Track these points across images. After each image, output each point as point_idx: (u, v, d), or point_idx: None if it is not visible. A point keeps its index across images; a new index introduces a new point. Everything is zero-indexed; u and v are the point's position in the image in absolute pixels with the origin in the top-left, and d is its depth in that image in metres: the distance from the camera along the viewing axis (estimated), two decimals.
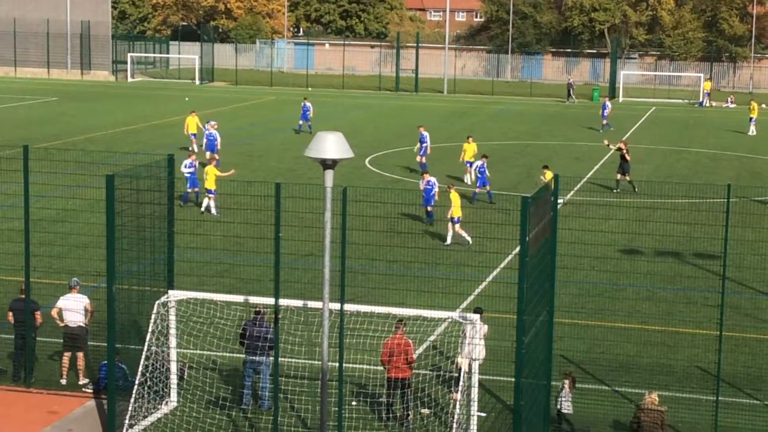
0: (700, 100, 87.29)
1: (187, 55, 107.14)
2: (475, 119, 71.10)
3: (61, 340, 20.46)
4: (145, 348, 18.16)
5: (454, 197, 31.95)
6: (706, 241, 31.19)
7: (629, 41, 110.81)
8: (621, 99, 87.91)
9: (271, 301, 17.79)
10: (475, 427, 17.59)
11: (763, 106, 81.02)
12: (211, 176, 35.31)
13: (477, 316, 17.81)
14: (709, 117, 76.11)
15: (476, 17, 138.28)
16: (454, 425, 17.19)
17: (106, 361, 18.83)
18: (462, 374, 17.69)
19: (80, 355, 20.21)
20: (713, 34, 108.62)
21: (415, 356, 18.76)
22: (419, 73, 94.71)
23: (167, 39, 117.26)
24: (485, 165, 38.68)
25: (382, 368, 18.87)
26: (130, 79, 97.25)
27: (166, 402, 19.02)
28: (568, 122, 69.77)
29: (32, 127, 58.57)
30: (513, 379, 15.65)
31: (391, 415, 18.56)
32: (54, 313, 20.41)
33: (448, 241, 31.96)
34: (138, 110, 70.06)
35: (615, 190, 41.48)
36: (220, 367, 20.65)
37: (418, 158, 44.80)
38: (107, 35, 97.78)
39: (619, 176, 41.90)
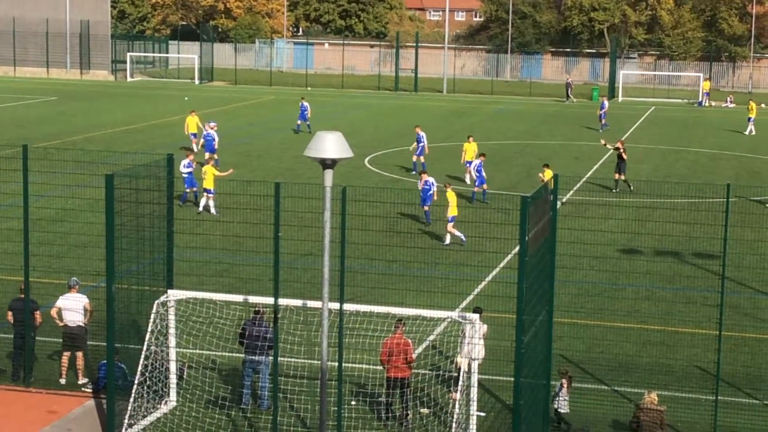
0: (700, 99, 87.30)
1: (186, 54, 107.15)
2: (475, 119, 71.09)
3: (61, 340, 20.46)
4: (145, 347, 18.15)
5: (451, 196, 31.99)
6: (705, 241, 31.19)
7: (628, 41, 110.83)
8: (620, 99, 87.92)
9: (270, 300, 17.78)
10: (475, 427, 17.60)
11: (762, 105, 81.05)
12: (209, 176, 35.30)
13: (476, 316, 17.82)
14: (708, 117, 76.13)
15: (475, 17, 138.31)
16: (454, 425, 17.19)
17: (105, 361, 18.83)
18: (461, 374, 17.69)
19: (79, 354, 20.20)
20: (712, 33, 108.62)
21: (414, 356, 18.76)
22: (418, 73, 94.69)
23: (166, 38, 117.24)
24: (482, 164, 38.73)
25: (381, 368, 18.87)
26: (129, 79, 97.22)
27: (166, 401, 19.01)
28: (568, 122, 69.77)
29: (31, 126, 58.56)
30: (512, 379, 15.65)
31: (390, 414, 18.56)
32: (53, 312, 20.40)
33: (447, 240, 31.97)
34: (137, 110, 70.05)
35: (614, 190, 41.49)
36: (220, 367, 20.65)
37: (414, 158, 44.88)
38: (106, 35, 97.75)
39: (617, 176, 41.91)
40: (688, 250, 31.73)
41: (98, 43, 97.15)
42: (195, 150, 44.54)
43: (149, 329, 18.25)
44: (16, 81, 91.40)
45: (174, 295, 18.74)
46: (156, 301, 18.39)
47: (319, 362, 15.33)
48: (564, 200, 37.07)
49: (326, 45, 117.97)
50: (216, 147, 44.22)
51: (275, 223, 17.24)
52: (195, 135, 48.76)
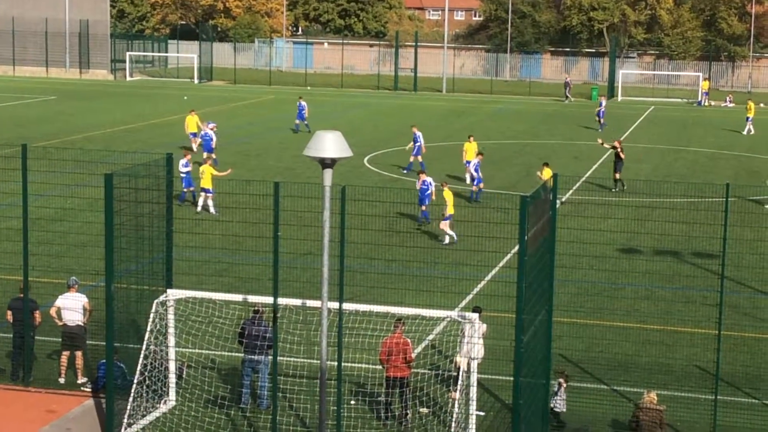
0: (699, 99, 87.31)
1: (185, 54, 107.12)
2: (474, 118, 71.09)
3: (60, 339, 20.45)
4: (144, 347, 18.15)
5: (448, 195, 32.02)
6: (704, 240, 31.21)
7: (628, 40, 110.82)
8: (620, 98, 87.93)
9: (269, 300, 17.77)
10: (474, 426, 17.60)
11: (761, 105, 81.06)
12: (207, 175, 35.28)
13: (476, 315, 17.82)
14: (707, 116, 76.13)
15: (475, 16, 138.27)
16: (453, 424, 17.19)
17: (104, 360, 18.84)
18: (461, 373, 17.69)
19: (79, 354, 20.19)
20: (712, 33, 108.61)
21: (413, 355, 18.76)
22: (418, 72, 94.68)
23: (166, 38, 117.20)
24: (479, 163, 38.76)
25: (380, 367, 18.86)
26: (128, 78, 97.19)
27: (165, 401, 19.01)
28: (567, 121, 69.77)
29: (31, 125, 58.54)
30: (512, 378, 15.65)
31: (389, 414, 18.55)
32: (53, 312, 20.40)
33: (446, 240, 31.98)
34: (136, 109, 70.04)
35: (613, 190, 41.49)
36: (219, 366, 20.64)
37: (411, 158, 44.91)
38: (106, 34, 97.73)
39: (616, 176, 41.91)
40: (687, 249, 31.73)
41: (97, 42, 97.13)
42: (194, 149, 44.58)
43: (148, 329, 18.25)
44: (16, 80, 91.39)
45: (173, 294, 18.73)
46: (155, 301, 18.39)
47: (319, 362, 15.33)
48: (563, 200, 37.08)
49: (325, 44, 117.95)
50: (214, 147, 44.20)
51: (274, 223, 17.23)
52: (195, 134, 48.76)
